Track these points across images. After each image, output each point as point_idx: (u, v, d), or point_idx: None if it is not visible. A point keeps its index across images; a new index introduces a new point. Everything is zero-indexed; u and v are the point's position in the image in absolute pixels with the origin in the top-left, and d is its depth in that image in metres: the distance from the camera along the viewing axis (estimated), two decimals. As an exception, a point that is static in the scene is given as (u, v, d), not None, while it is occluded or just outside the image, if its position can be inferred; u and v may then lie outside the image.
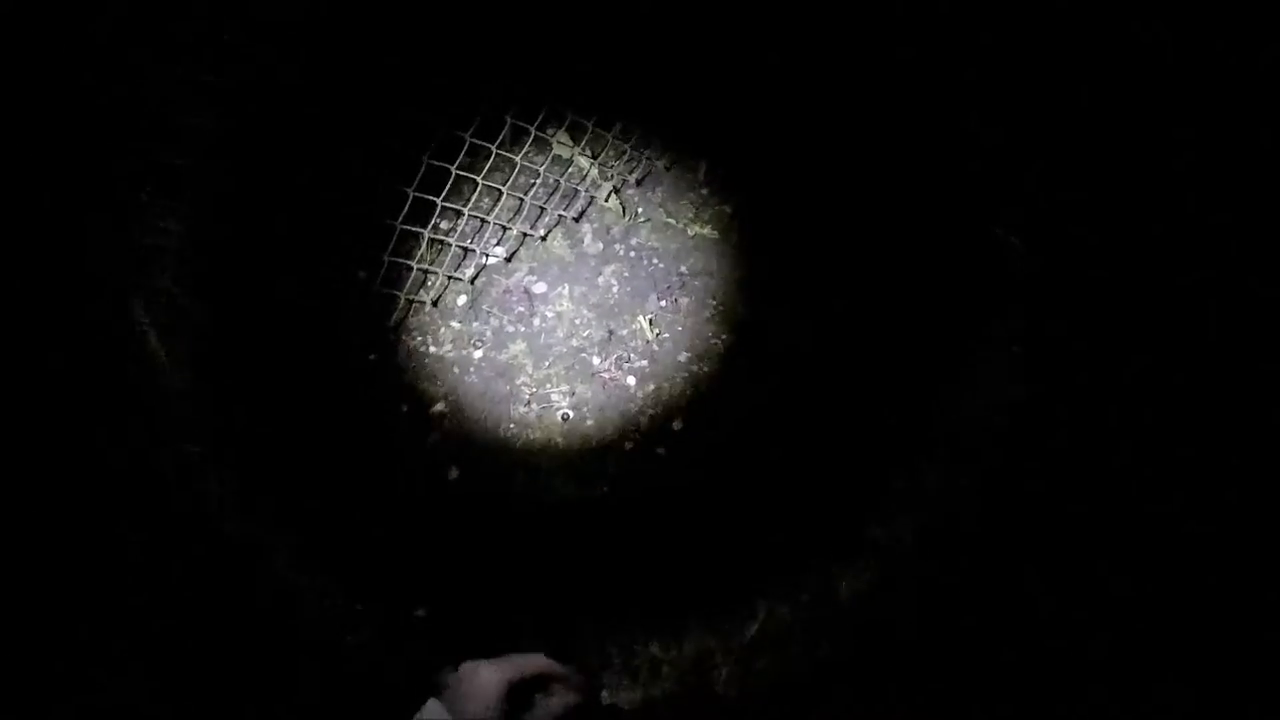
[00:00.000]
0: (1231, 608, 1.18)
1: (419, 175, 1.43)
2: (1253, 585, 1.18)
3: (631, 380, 1.52)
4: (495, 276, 1.60)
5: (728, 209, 1.64)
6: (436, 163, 1.44)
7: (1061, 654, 1.23)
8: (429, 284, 1.56)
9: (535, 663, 0.93)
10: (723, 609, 1.33)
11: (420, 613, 1.34)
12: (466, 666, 0.92)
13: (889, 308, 1.55)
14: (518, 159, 1.52)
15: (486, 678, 0.89)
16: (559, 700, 0.93)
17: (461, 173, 1.47)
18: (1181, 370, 1.34)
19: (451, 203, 1.49)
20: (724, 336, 1.54)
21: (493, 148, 1.48)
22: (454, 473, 1.43)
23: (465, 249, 1.58)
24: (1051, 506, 1.35)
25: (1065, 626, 1.25)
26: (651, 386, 1.51)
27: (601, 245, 1.62)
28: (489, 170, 1.50)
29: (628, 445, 1.45)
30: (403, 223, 1.45)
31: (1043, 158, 1.51)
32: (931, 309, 1.52)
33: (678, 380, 1.51)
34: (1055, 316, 1.47)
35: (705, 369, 1.52)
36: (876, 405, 1.49)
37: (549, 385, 1.51)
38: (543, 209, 1.61)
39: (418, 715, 0.90)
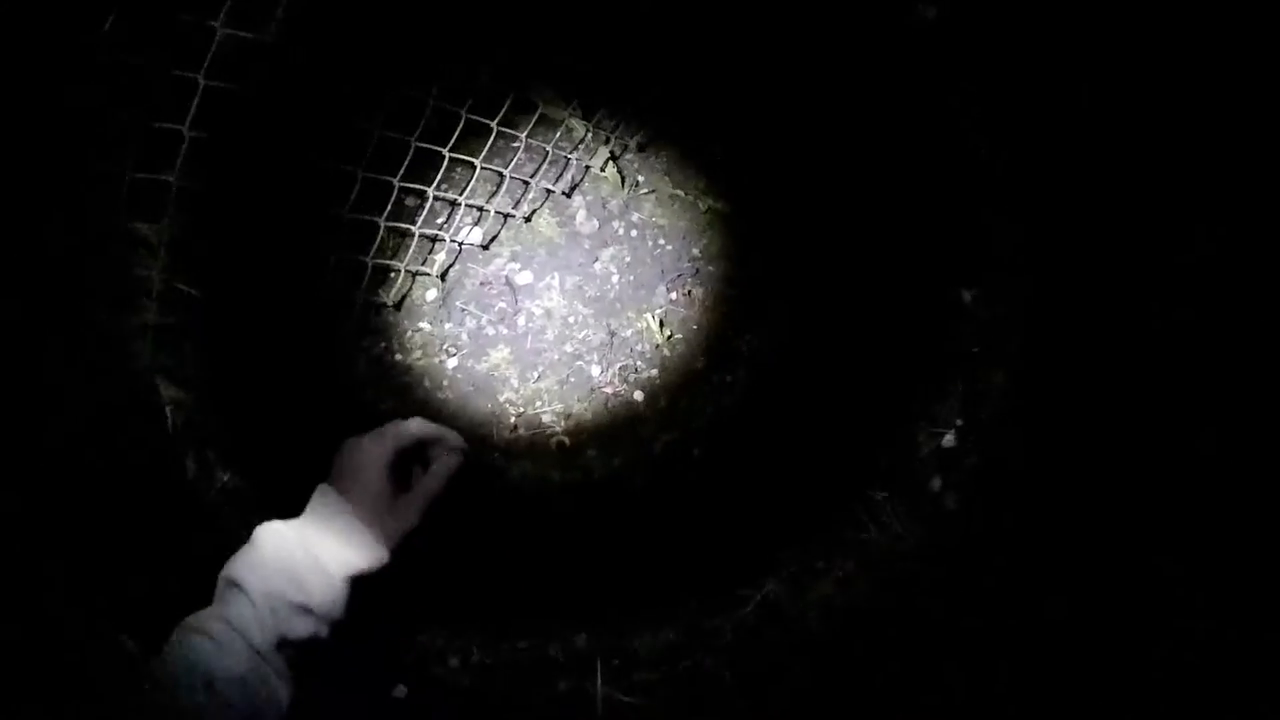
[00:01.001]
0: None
1: (369, 150, 1.14)
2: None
3: (639, 395, 1.26)
4: (470, 266, 1.32)
5: (747, 178, 1.36)
6: (393, 134, 1.15)
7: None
8: (391, 280, 1.28)
9: (414, 428, 0.95)
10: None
11: (399, 692, 1.11)
12: (349, 443, 0.93)
13: (921, 294, 1.31)
14: (494, 124, 1.23)
15: (370, 453, 0.90)
16: (442, 465, 0.96)
17: (424, 145, 1.18)
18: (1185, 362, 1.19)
19: (413, 182, 1.20)
20: (748, 337, 1.29)
21: (462, 112, 1.19)
22: (429, 517, 1.19)
23: (433, 237, 1.30)
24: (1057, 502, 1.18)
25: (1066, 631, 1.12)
26: (664, 403, 1.25)
27: (597, 223, 1.35)
28: (458, 140, 1.20)
29: (638, 481, 1.20)
30: (352, 210, 1.16)
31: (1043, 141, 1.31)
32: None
33: (696, 394, 1.25)
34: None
35: (729, 378, 1.26)
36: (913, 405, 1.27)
37: (540, 404, 1.25)
38: (526, 184, 1.32)
39: (311, 502, 0.90)
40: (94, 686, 1.08)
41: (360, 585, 0.87)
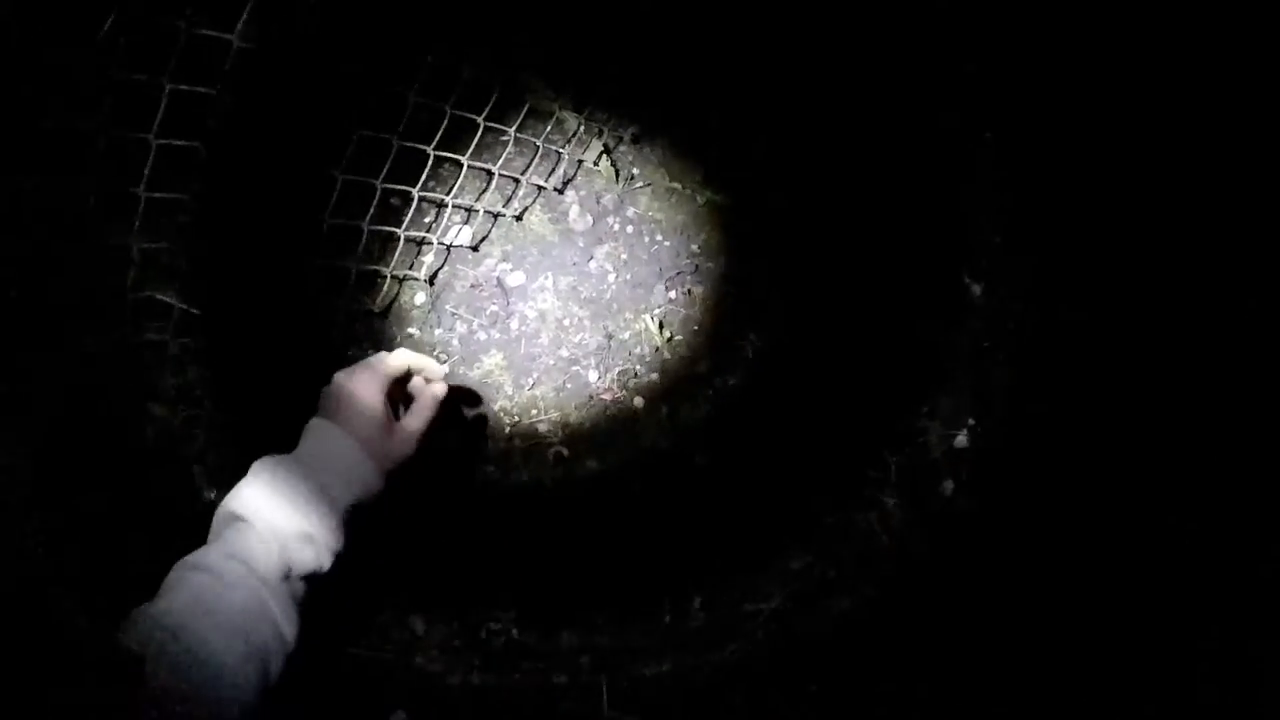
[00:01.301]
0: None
1: (349, 151, 1.07)
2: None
3: (639, 401, 1.21)
4: (460, 268, 1.26)
5: (747, 168, 1.30)
6: (373, 134, 1.08)
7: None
8: (377, 286, 1.21)
9: (404, 358, 0.97)
10: None
11: (399, 717, 1.07)
12: (340, 377, 0.93)
13: (929, 288, 1.26)
14: (480, 119, 1.16)
15: (366, 384, 0.91)
16: (430, 394, 0.98)
17: (408, 144, 1.12)
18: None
19: (397, 183, 1.14)
20: (752, 337, 1.23)
21: (447, 108, 1.12)
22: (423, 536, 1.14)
23: (419, 240, 1.23)
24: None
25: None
26: (665, 409, 1.20)
27: (591, 219, 1.29)
28: (444, 137, 1.14)
29: (640, 493, 1.16)
30: (333, 215, 1.10)
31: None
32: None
33: (698, 399, 1.21)
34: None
35: (732, 381, 1.21)
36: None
37: (535, 413, 1.20)
38: (517, 180, 1.25)
39: (307, 436, 0.90)
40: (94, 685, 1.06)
41: (360, 515, 0.88)
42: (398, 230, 1.18)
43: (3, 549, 1.10)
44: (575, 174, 1.29)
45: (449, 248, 1.24)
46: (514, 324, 1.25)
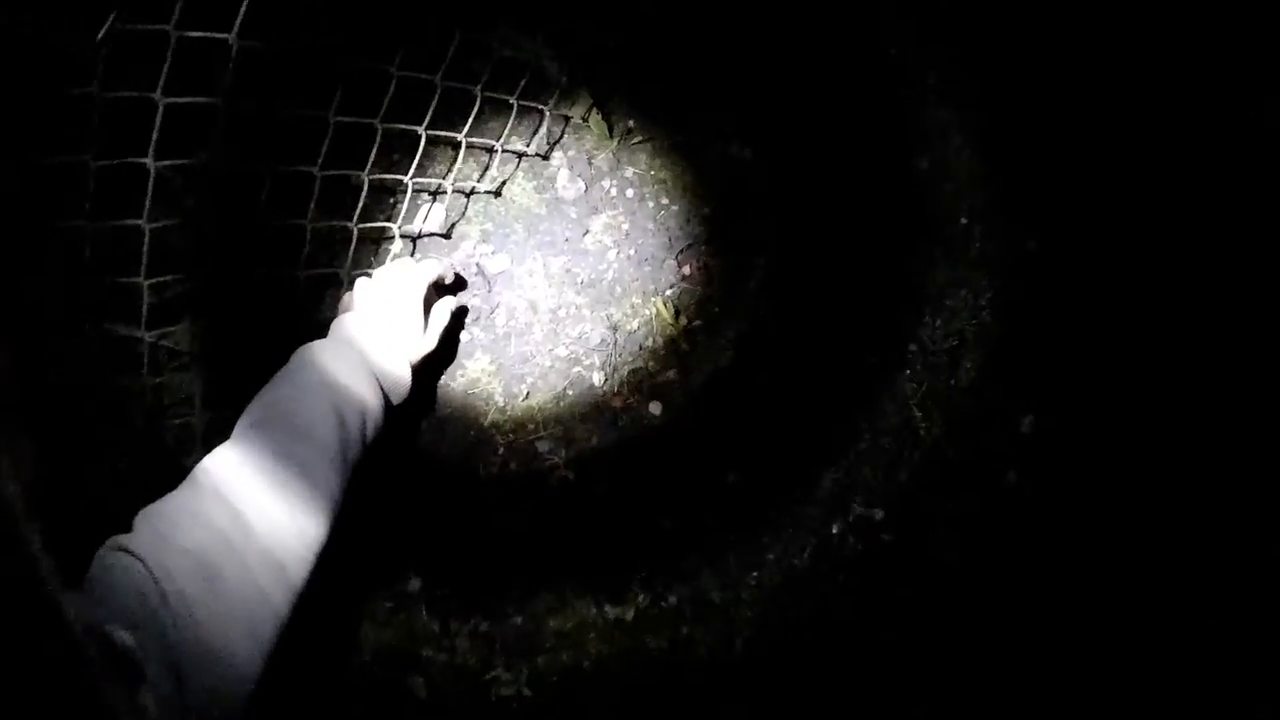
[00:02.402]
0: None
1: (275, 136, 0.85)
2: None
3: (655, 407, 1.03)
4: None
5: (766, 117, 1.08)
6: (308, 111, 0.86)
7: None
8: (333, 291, 1.01)
9: (437, 266, 0.96)
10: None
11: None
12: (381, 274, 0.92)
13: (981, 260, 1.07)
14: (438, 79, 0.93)
15: (410, 283, 0.90)
16: (449, 299, 0.97)
17: (348, 119, 0.89)
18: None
19: (341, 168, 0.92)
20: (784, 316, 1.04)
21: (393, 70, 0.89)
22: (414, 584, 0.98)
23: (377, 235, 1.02)
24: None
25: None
26: (688, 415, 1.02)
27: (583, 185, 1.08)
28: (391, 106, 0.91)
29: (666, 523, 0.99)
30: (267, 215, 0.89)
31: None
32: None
33: (726, 400, 1.02)
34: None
35: (763, 375, 1.03)
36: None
37: (532, 428, 1.02)
38: (491, 150, 1.03)
39: (345, 329, 0.87)
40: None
41: (390, 407, 0.88)
42: (349, 224, 0.97)
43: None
44: (562, 134, 1.07)
45: (414, 239, 1.04)
46: (500, 319, 1.06)
